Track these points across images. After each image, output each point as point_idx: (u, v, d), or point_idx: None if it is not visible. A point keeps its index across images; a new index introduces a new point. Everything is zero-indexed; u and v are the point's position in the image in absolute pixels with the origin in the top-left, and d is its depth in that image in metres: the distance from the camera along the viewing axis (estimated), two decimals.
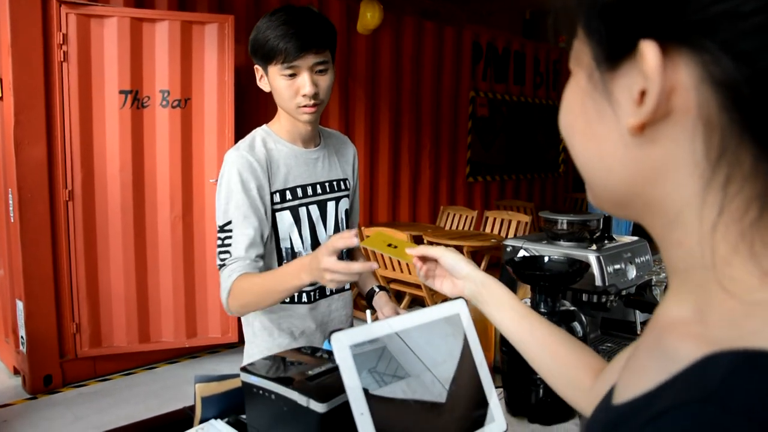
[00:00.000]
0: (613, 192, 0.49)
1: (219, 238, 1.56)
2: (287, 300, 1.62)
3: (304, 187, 1.65)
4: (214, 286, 4.53)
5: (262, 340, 1.66)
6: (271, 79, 1.55)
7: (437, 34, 6.71)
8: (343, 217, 1.75)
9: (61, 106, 3.98)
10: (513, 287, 1.68)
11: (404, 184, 6.56)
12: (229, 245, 1.52)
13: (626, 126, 0.44)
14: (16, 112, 3.82)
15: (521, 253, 1.82)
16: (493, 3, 7.79)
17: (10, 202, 3.99)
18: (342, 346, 0.86)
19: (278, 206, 1.60)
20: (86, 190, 4.09)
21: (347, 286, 1.77)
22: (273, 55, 1.49)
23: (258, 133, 1.65)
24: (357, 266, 1.18)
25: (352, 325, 1.80)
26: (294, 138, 1.65)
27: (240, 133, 4.20)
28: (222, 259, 1.53)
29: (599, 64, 0.45)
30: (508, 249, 1.88)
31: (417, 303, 5.18)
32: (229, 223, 1.53)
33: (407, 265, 4.65)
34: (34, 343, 4.00)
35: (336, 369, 1.04)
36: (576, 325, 1.40)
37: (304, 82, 1.51)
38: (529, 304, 1.53)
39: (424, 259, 1.17)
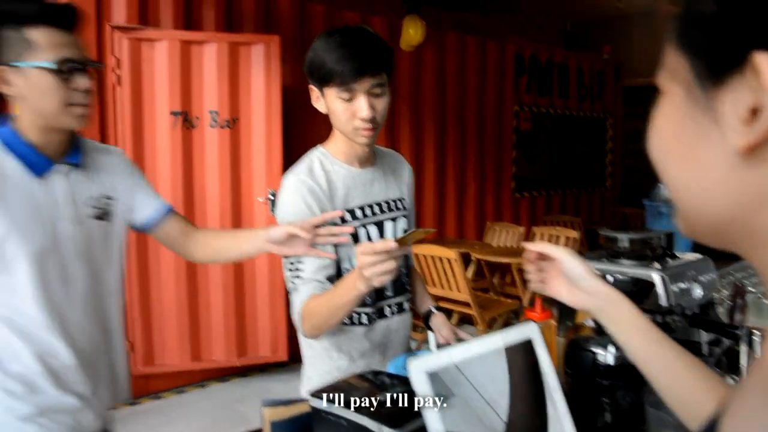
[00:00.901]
0: (711, 219, 0.45)
1: (289, 263, 1.56)
2: (347, 322, 1.61)
3: (362, 208, 1.64)
4: (263, 305, 4.57)
5: (321, 362, 1.65)
6: (328, 101, 1.54)
7: (480, 48, 6.69)
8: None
9: (114, 128, 4.08)
10: (572, 308, 1.64)
11: (450, 200, 6.54)
12: (299, 269, 1.52)
13: (734, 146, 0.40)
14: None
15: None
16: (534, 15, 7.76)
17: None
18: (419, 372, 0.85)
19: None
20: None
21: (406, 307, 1.76)
22: (329, 77, 1.48)
23: (315, 155, 1.64)
24: (379, 245, 1.22)
25: (410, 348, 1.78)
26: (350, 159, 1.64)
27: (288, 151, 4.25)
28: (294, 284, 1.53)
29: (701, 79, 0.42)
30: None
31: (465, 321, 5.12)
32: None
33: (456, 282, 4.61)
34: None
35: (404, 394, 1.03)
36: None
37: (361, 105, 1.49)
38: (593, 325, 1.50)
39: (538, 258, 1.12)
